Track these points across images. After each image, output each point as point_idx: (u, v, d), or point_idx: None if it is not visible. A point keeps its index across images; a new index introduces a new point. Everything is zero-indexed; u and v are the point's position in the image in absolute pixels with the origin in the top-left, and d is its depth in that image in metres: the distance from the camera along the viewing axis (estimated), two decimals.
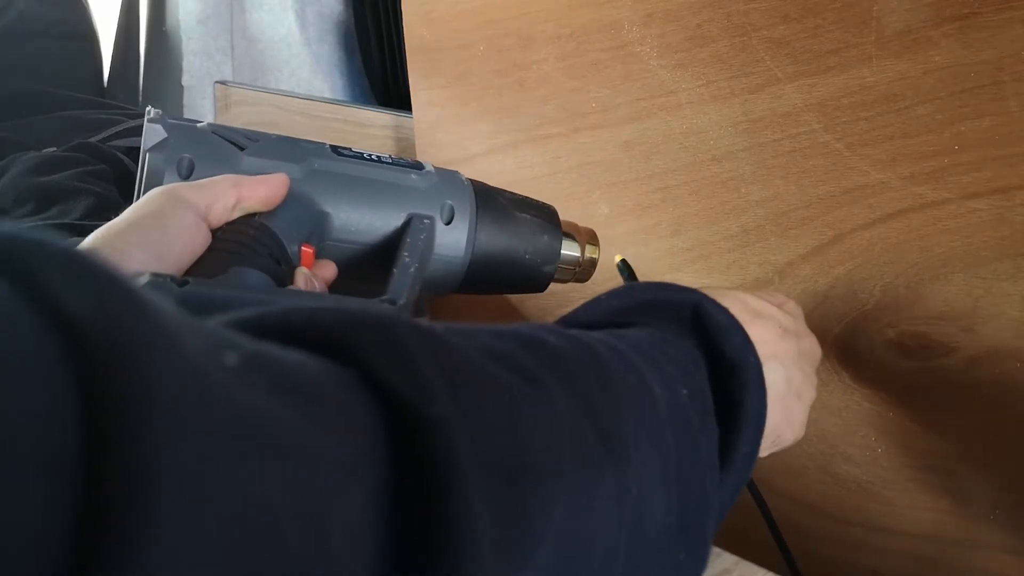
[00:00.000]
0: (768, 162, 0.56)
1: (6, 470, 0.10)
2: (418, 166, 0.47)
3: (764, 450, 0.39)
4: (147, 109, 0.42)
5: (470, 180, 0.48)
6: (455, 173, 0.48)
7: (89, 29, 1.03)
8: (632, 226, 0.64)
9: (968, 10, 0.46)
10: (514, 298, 0.77)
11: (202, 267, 0.36)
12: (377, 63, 1.11)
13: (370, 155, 0.45)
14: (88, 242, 0.33)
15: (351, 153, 0.45)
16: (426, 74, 0.75)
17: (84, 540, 0.11)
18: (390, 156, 0.46)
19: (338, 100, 1.10)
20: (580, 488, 0.22)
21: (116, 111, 0.96)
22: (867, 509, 0.56)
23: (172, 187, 0.37)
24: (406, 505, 0.17)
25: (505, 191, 0.49)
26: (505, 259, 0.48)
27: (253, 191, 0.39)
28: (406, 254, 0.42)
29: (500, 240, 0.47)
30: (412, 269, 0.41)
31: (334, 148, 0.45)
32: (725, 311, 0.35)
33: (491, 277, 0.48)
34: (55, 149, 0.81)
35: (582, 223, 0.52)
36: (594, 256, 0.51)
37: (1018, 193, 0.46)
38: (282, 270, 0.39)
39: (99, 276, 0.13)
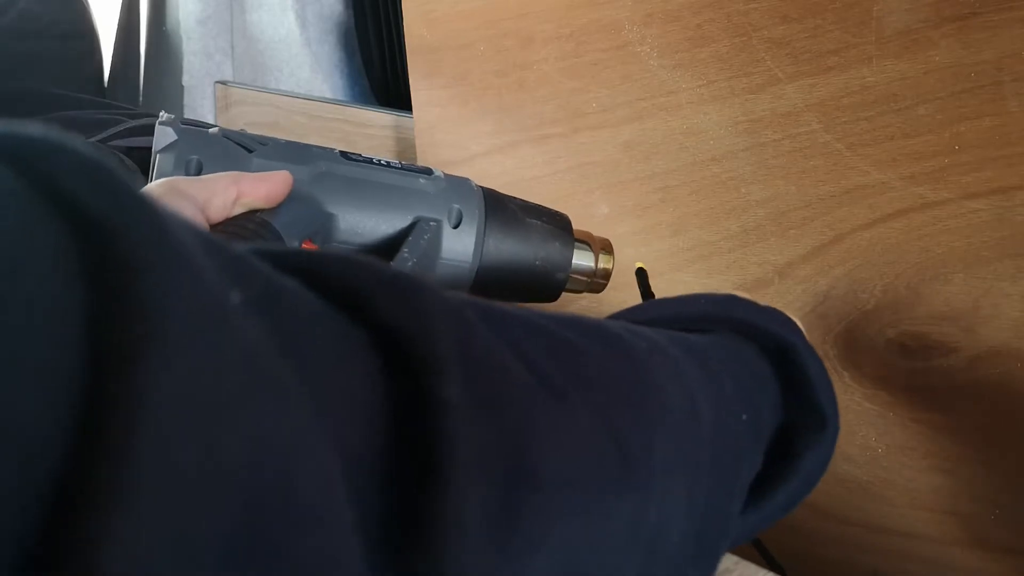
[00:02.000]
0: (768, 162, 0.56)
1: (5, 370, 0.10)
2: (427, 171, 0.46)
3: None
4: (160, 113, 0.43)
5: (481, 187, 0.48)
6: (465, 180, 0.48)
7: (89, 29, 1.03)
8: (632, 226, 0.64)
9: (968, 10, 0.46)
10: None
11: None
12: (377, 63, 1.11)
13: (379, 160, 0.45)
14: None
15: (360, 158, 0.45)
16: (426, 74, 0.75)
17: (74, 457, 0.11)
18: (400, 162, 0.46)
19: (338, 100, 1.10)
20: (589, 507, 0.21)
21: (116, 111, 0.95)
22: (867, 509, 0.56)
23: (172, 180, 0.37)
24: (396, 483, 0.16)
25: (516, 198, 0.49)
26: (515, 266, 0.47)
27: (254, 187, 0.39)
28: (406, 250, 0.42)
29: (509, 246, 0.47)
30: (409, 264, 0.41)
31: (344, 153, 0.45)
32: (819, 364, 0.33)
33: (500, 284, 0.47)
34: None
35: (582, 223, 0.52)
36: (608, 267, 0.50)
37: (1018, 193, 0.46)
38: None
39: (119, 182, 0.13)
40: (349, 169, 0.44)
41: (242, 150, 0.42)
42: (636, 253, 0.65)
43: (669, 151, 0.62)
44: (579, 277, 0.49)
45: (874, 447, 0.55)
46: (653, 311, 0.34)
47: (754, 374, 0.32)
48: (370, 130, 0.89)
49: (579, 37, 0.65)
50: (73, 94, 0.93)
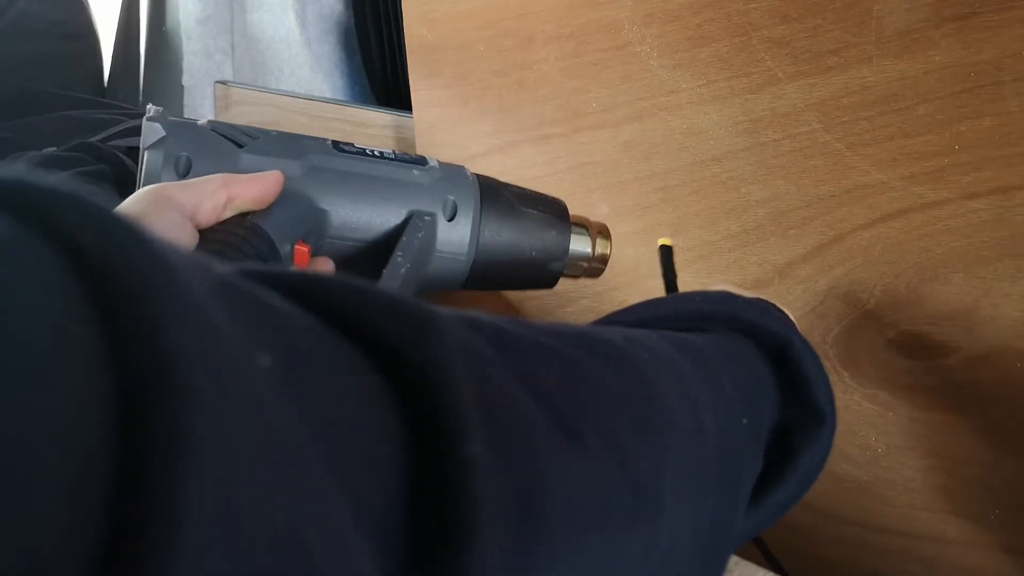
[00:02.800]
0: (768, 162, 0.56)
1: (29, 455, 0.10)
2: (421, 161, 0.46)
3: None
4: (147, 107, 0.42)
5: (476, 175, 0.47)
6: (460, 168, 0.47)
7: (89, 29, 1.03)
8: (632, 226, 0.64)
9: (968, 10, 0.46)
10: (514, 298, 0.77)
11: None
12: (377, 63, 1.11)
13: (372, 151, 0.45)
14: None
15: (353, 149, 0.44)
16: (426, 74, 0.75)
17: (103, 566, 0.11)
18: (393, 151, 0.45)
19: (338, 100, 1.10)
20: (602, 545, 0.21)
21: (116, 111, 0.95)
22: (867, 509, 0.56)
23: (159, 187, 0.36)
24: (416, 539, 0.16)
25: (512, 186, 0.48)
26: (511, 256, 0.47)
27: (245, 190, 0.38)
28: (399, 253, 0.41)
29: (505, 236, 0.46)
30: (403, 270, 0.40)
31: (336, 144, 0.44)
32: (816, 360, 0.33)
33: (496, 274, 0.47)
34: (55, 149, 0.81)
35: None
36: (605, 251, 0.49)
37: (1018, 193, 0.46)
38: None
39: (127, 231, 0.12)
40: (341, 162, 0.43)
41: (232, 145, 0.42)
42: (636, 253, 0.65)
43: (669, 151, 0.62)
44: (577, 263, 0.49)
45: (874, 447, 0.55)
46: (650, 310, 0.34)
47: (754, 374, 0.32)
48: (370, 130, 0.89)
49: (579, 37, 0.65)
50: (73, 94, 0.93)
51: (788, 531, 0.50)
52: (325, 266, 0.43)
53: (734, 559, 0.55)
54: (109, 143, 0.87)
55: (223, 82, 1.01)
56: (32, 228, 0.12)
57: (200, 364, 0.12)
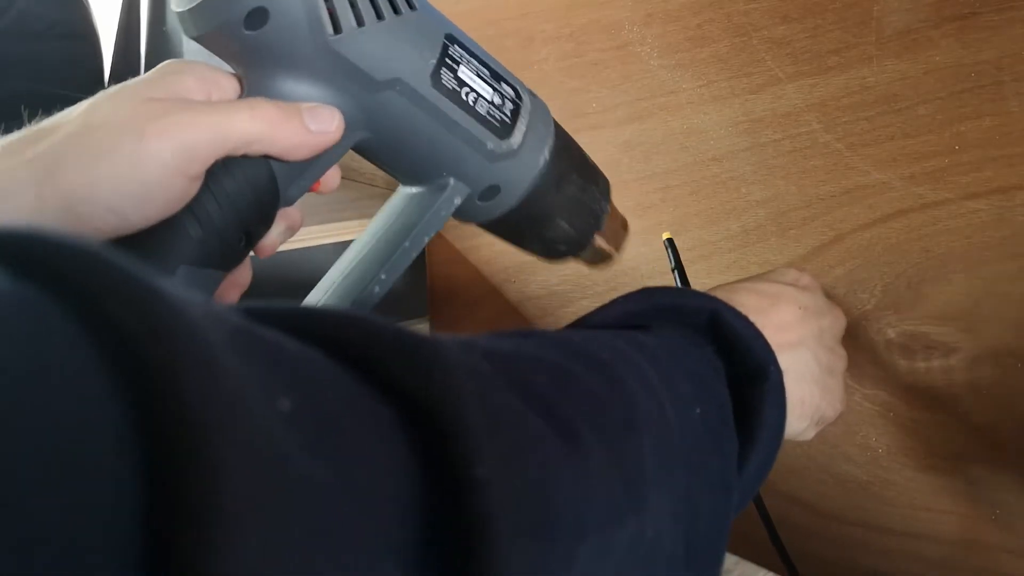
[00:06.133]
0: (769, 162, 0.56)
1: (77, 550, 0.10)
2: (506, 130, 0.37)
3: (810, 430, 0.40)
4: None
5: (552, 158, 0.39)
6: (538, 155, 0.39)
7: (89, 29, 1.03)
8: (632, 226, 0.64)
9: (968, 10, 0.46)
10: (514, 298, 0.77)
11: (145, 253, 0.29)
12: None
13: (467, 95, 0.36)
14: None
15: (451, 83, 0.35)
16: None
17: None
18: (489, 97, 0.37)
19: None
20: (601, 544, 0.22)
21: None
22: (867, 509, 0.56)
23: (175, 104, 0.28)
24: (435, 551, 0.17)
25: (575, 176, 0.41)
26: (521, 236, 0.42)
27: (288, 149, 0.30)
28: (407, 243, 0.36)
29: (528, 226, 0.41)
30: (413, 254, 0.37)
31: (437, 67, 0.34)
32: (743, 319, 0.34)
33: (501, 235, 0.43)
34: None
35: None
36: (611, 251, 0.45)
37: (1018, 193, 0.46)
38: (245, 249, 0.32)
39: (146, 291, 0.12)
40: (428, 99, 0.34)
41: (327, 20, 0.31)
42: (637, 253, 0.65)
43: (669, 151, 0.62)
44: (596, 250, 0.45)
45: (874, 447, 0.55)
46: (604, 313, 0.35)
47: (700, 359, 0.33)
48: None
49: (579, 37, 0.65)
50: (73, 94, 0.93)
51: (788, 531, 0.50)
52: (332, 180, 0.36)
53: (734, 559, 0.55)
54: None
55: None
56: (45, 287, 0.12)
57: (230, 436, 0.12)
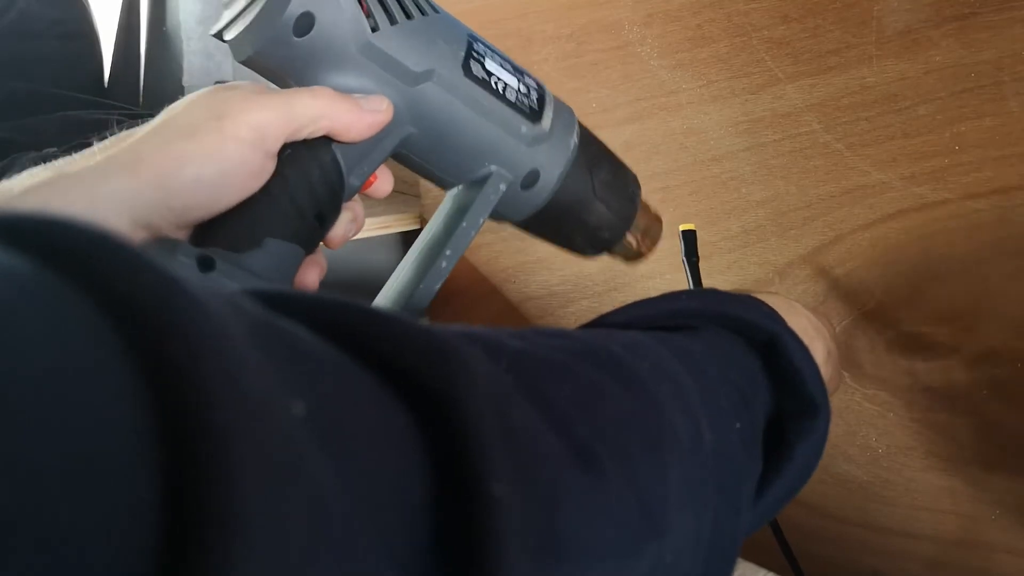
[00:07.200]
0: (769, 162, 0.56)
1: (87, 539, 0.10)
2: (535, 114, 0.41)
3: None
4: None
5: (580, 143, 0.42)
6: (567, 138, 0.42)
7: (89, 29, 1.02)
8: None
9: (968, 10, 0.46)
10: (514, 298, 0.77)
11: (234, 227, 0.31)
12: None
13: (496, 84, 0.39)
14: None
15: (480, 74, 0.38)
16: None
17: None
18: (517, 85, 0.40)
19: None
20: (614, 567, 0.22)
21: (116, 111, 0.95)
22: (867, 509, 0.56)
23: (245, 92, 0.31)
24: (438, 558, 0.17)
25: (604, 163, 0.44)
26: (559, 230, 0.43)
27: (348, 128, 0.33)
28: (464, 223, 0.38)
29: (567, 217, 0.42)
30: (471, 234, 0.38)
31: (467, 58, 0.38)
32: (804, 351, 0.33)
33: (539, 232, 0.44)
34: (55, 149, 0.81)
35: None
36: (642, 251, 0.47)
37: (1018, 193, 0.46)
38: (319, 230, 0.35)
39: (169, 287, 0.12)
40: (462, 88, 0.37)
41: (364, 19, 0.34)
42: None
43: (669, 151, 0.62)
44: (628, 245, 0.46)
45: (874, 447, 0.55)
46: (640, 310, 0.34)
47: (745, 372, 0.32)
48: None
49: (579, 37, 0.65)
50: (73, 94, 0.93)
51: (788, 531, 0.50)
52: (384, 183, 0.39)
53: None
54: None
55: (223, 82, 1.01)
56: (68, 274, 0.12)
57: (250, 443, 0.12)
